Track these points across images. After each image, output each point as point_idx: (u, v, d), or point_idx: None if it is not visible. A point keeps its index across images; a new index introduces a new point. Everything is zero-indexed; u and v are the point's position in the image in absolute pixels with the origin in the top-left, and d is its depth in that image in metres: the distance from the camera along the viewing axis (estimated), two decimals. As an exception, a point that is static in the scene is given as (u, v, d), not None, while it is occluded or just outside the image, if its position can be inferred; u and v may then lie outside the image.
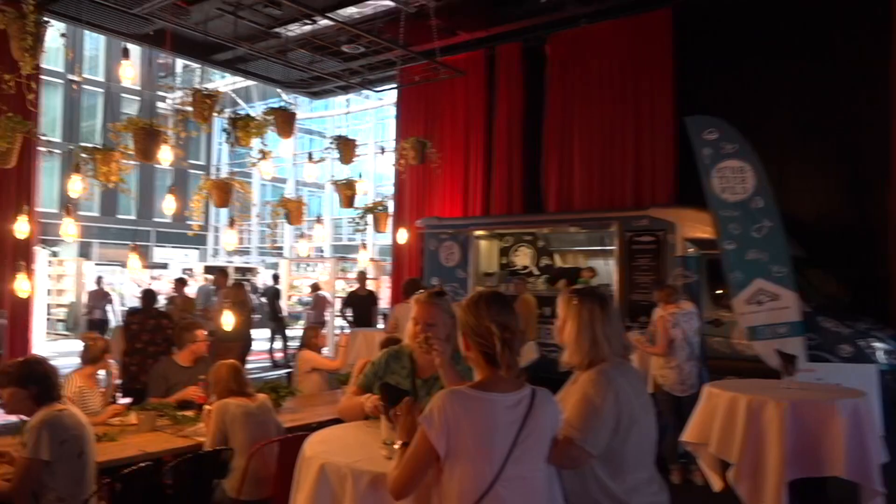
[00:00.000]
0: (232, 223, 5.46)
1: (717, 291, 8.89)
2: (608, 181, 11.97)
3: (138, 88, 30.10)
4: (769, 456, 3.57)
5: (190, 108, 5.04)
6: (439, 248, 11.35)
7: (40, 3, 4.05)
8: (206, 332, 5.19)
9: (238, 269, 21.86)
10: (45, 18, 4.22)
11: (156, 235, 28.94)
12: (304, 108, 30.05)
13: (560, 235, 11.69)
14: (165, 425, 4.33)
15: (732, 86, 10.96)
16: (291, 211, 6.16)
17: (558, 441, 2.27)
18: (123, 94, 30.81)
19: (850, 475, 3.56)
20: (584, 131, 12.24)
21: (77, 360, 4.93)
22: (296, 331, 13.15)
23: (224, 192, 5.20)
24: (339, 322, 12.86)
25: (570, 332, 2.50)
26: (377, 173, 23.41)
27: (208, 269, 16.77)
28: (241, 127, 5.25)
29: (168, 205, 5.37)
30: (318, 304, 13.66)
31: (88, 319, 14.17)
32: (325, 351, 6.16)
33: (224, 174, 26.94)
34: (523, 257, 12.14)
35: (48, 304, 17.60)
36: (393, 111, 16.60)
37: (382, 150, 8.45)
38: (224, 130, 5.42)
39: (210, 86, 28.04)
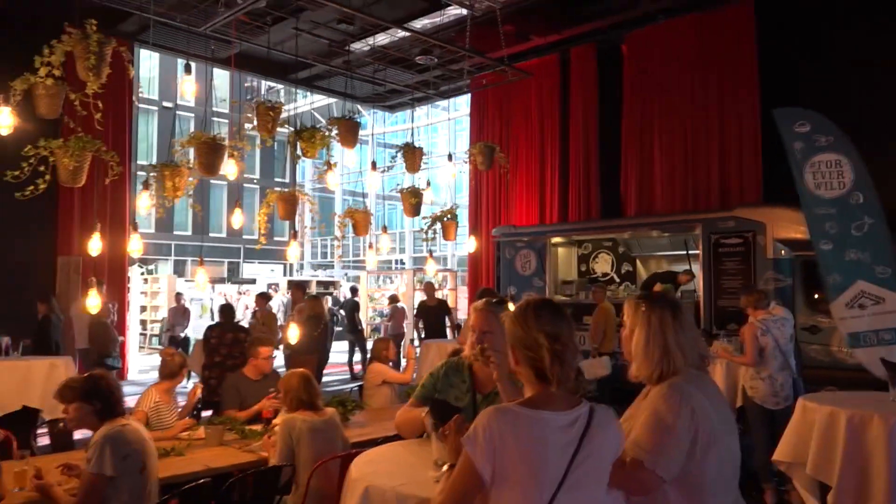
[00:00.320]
0: (294, 236, 5.47)
1: (814, 296, 8.27)
2: (691, 182, 11.46)
3: (226, 111, 31.41)
4: (875, 479, 3.19)
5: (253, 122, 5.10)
6: (515, 257, 11.15)
7: (107, 28, 4.21)
8: (270, 349, 5.19)
9: (320, 283, 22.30)
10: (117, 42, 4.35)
11: (244, 252, 29.99)
12: (383, 122, 30.55)
13: (641, 240, 11.25)
14: (233, 440, 4.33)
15: (823, 75, 10.26)
16: (358, 222, 6.14)
17: (625, 464, 2.05)
18: (215, 119, 32.23)
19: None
20: (664, 131, 11.78)
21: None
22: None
23: (289, 205, 5.22)
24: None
25: (639, 342, 2.28)
26: (453, 184, 23.40)
27: (289, 284, 17.12)
28: (306, 139, 5.26)
29: (235, 219, 5.44)
30: (396, 315, 13.69)
31: (170, 336, 14.49)
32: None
33: (307, 189, 27.70)
34: (603, 264, 11.77)
35: (143, 321, 18.46)
36: (468, 122, 16.56)
37: (450, 157, 8.33)
38: (287, 142, 5.45)
39: (293, 105, 28.95)
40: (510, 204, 13.79)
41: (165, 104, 30.73)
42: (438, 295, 12.63)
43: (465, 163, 8.28)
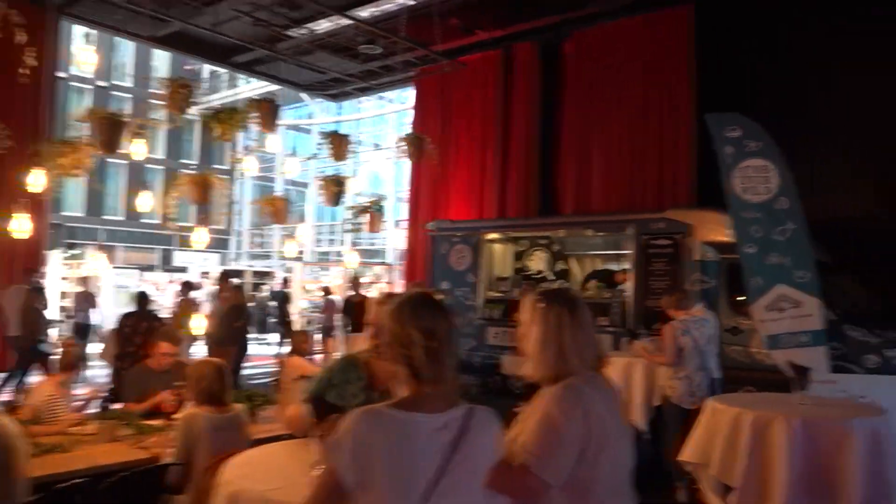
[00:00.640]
0: (203, 221, 5.24)
1: (739, 298, 8.43)
2: (627, 183, 11.58)
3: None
4: (774, 481, 3.20)
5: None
6: (450, 252, 11.05)
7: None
8: (171, 348, 4.94)
9: (257, 274, 21.80)
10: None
11: (177, 239, 29.11)
12: (330, 113, 29.99)
13: (576, 239, 11.29)
14: (127, 435, 4.08)
15: (756, 83, 10.50)
16: (276, 210, 5.93)
17: (512, 469, 1.95)
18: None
19: (864, 506, 3.18)
20: (603, 131, 11.88)
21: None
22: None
23: (201, 189, 4.97)
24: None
25: (535, 341, 2.18)
26: (397, 176, 23.21)
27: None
28: (224, 120, 5.03)
29: (143, 201, 5.16)
30: (328, 308, 13.43)
31: (74, 323, 13.20)
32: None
33: (247, 175, 26.97)
34: (538, 261, 11.76)
35: (63, 307, 17.62)
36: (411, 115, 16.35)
37: (377, 147, 8.17)
38: (203, 123, 5.20)
39: (236, 91, 28.16)
40: (449, 198, 13.70)
41: (100, 83, 29.55)
42: (374, 289, 12.47)
43: (398, 154, 8.12)
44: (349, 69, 14.38)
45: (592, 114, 12.01)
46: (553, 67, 12.56)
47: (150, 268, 22.75)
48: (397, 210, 19.60)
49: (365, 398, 2.68)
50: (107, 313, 13.89)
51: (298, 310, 15.85)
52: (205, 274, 20.53)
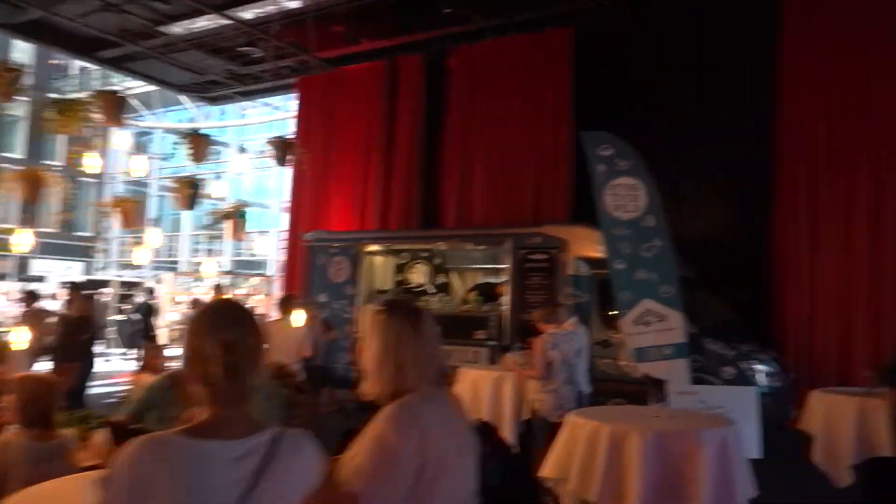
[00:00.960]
0: (27, 222, 4.75)
1: (610, 312, 8.67)
2: (507, 197, 11.75)
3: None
4: (629, 494, 3.20)
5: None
6: (328, 263, 10.75)
7: None
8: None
9: (125, 284, 20.45)
10: None
11: (39, 246, 26.82)
12: (213, 118, 28.61)
13: (457, 253, 11.32)
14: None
15: (629, 106, 10.96)
16: (125, 212, 5.48)
17: (338, 495, 1.77)
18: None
19: (713, 513, 3.24)
20: (485, 146, 12.01)
21: None
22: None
23: (32, 186, 4.49)
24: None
25: (373, 355, 2.02)
26: (273, 186, 22.42)
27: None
28: (63, 111, 4.57)
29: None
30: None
31: None
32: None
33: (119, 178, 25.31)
34: (419, 274, 11.69)
35: None
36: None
37: (242, 150, 7.81)
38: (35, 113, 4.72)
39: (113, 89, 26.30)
40: (331, 209, 13.40)
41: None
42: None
43: (263, 158, 7.79)
44: (228, 72, 13.80)
45: (475, 128, 12.13)
46: (437, 81, 12.60)
47: (1, 276, 20.80)
48: (279, 220, 19.02)
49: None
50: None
51: (167, 323, 14.93)
52: (65, 284, 19.00)
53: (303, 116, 14.10)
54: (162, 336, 13.89)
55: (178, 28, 12.27)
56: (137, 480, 1.37)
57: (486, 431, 5.96)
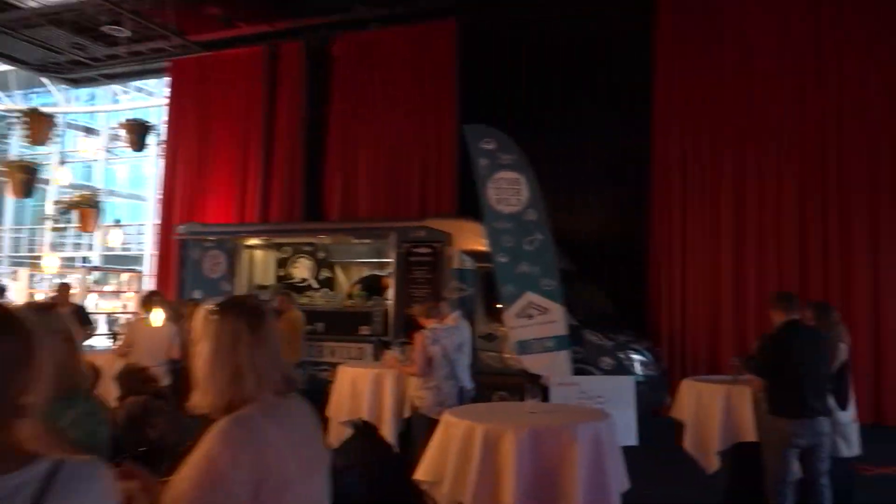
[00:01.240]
0: None
1: (492, 306, 8.66)
2: (393, 190, 11.57)
3: None
4: (503, 496, 3.09)
5: None
6: (203, 258, 10.14)
7: None
8: None
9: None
10: None
11: None
12: (81, 102, 26.50)
13: (342, 247, 10.98)
14: None
15: (515, 101, 11.04)
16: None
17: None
18: None
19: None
20: (370, 137, 11.76)
21: None
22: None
23: None
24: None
25: (204, 361, 1.75)
26: (143, 175, 21.05)
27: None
28: None
29: None
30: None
31: None
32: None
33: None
34: (302, 269, 11.26)
35: None
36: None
37: (87, 132, 7.17)
38: None
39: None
40: (207, 200, 12.71)
41: None
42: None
43: (114, 141, 7.18)
44: (91, 52, 12.76)
45: (360, 119, 11.85)
46: (321, 70, 12.19)
47: None
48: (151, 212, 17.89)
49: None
50: None
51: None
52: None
53: (175, 102, 13.28)
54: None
55: (32, 2, 11.19)
56: None
57: (366, 432, 5.74)
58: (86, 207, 5.35)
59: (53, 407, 1.40)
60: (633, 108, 10.42)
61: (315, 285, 11.11)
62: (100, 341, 10.43)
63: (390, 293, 9.31)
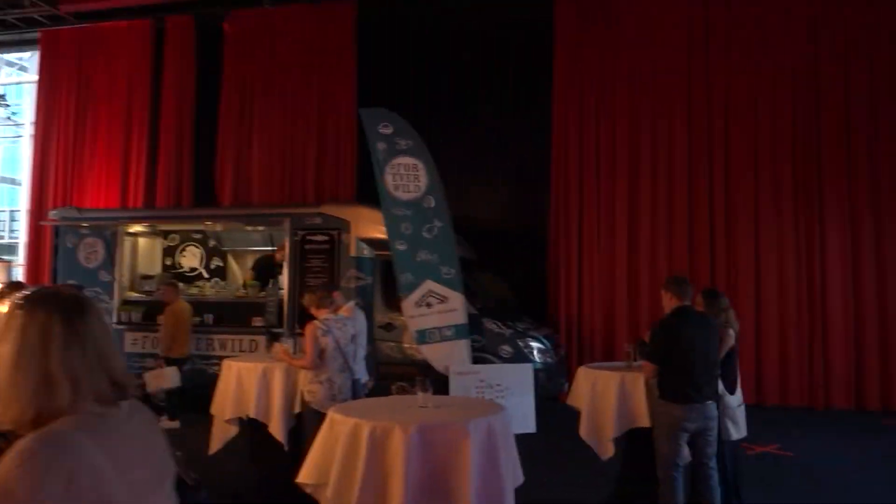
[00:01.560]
0: None
1: (392, 295, 8.43)
2: (289, 175, 11.12)
3: None
4: (391, 499, 2.89)
5: None
6: (78, 246, 9.37)
7: None
8: None
9: None
10: None
11: None
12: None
13: (234, 234, 10.43)
14: None
15: (414, 86, 10.83)
16: None
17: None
18: None
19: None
20: (265, 120, 11.24)
21: None
22: None
23: None
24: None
25: (6, 365, 1.43)
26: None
27: None
28: None
29: None
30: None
31: None
32: None
33: None
34: (191, 258, 10.64)
35: None
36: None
37: None
38: None
39: None
40: (86, 184, 11.79)
41: None
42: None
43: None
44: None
45: (253, 100, 11.31)
46: (212, 47, 11.50)
47: None
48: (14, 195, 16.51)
49: None
50: None
51: None
52: None
53: (47, 77, 12.23)
54: None
55: None
56: None
57: (254, 429, 5.41)
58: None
59: None
60: (533, 94, 10.45)
61: (205, 275, 10.53)
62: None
63: (284, 281, 8.91)
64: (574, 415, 5.24)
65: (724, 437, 4.56)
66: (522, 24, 10.52)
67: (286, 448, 5.15)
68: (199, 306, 9.04)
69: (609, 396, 4.83)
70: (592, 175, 10.07)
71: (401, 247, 7.79)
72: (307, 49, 11.11)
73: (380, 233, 8.30)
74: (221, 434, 5.53)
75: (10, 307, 1.49)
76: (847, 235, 9.19)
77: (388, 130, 8.01)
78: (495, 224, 10.61)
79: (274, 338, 6.79)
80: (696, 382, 4.20)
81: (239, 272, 10.56)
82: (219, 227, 10.12)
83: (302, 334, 6.27)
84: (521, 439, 5.24)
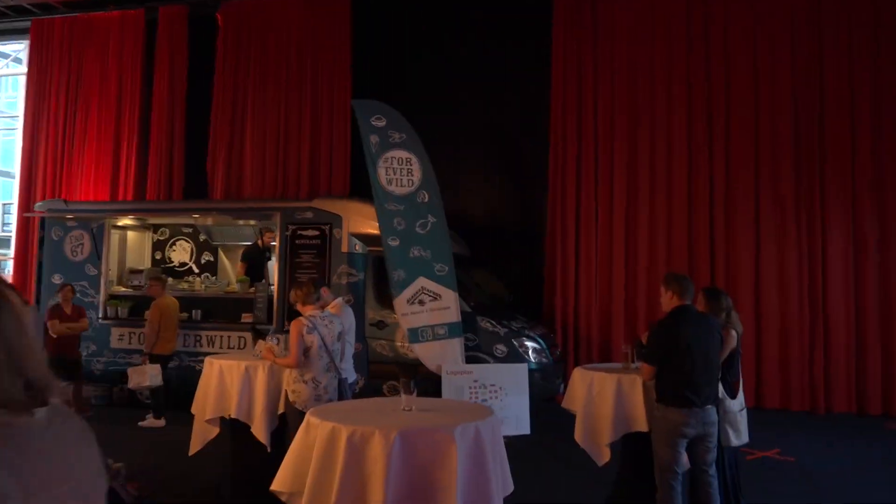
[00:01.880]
0: None
1: (384, 292, 8.23)
2: (282, 169, 10.92)
3: None
4: (369, 507, 2.69)
5: None
6: (65, 239, 9.16)
7: None
8: None
9: None
10: None
11: None
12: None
13: (226, 229, 10.22)
14: None
15: (410, 80, 10.63)
16: None
17: None
18: None
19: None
20: (258, 112, 11.03)
21: None
22: None
23: None
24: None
25: None
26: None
27: None
28: None
29: None
30: None
31: None
32: None
33: None
34: (181, 252, 10.45)
35: None
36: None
37: None
38: None
39: None
40: (76, 177, 11.59)
41: None
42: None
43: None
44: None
45: (246, 92, 11.10)
46: (205, 38, 11.28)
47: None
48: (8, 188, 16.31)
49: None
50: None
51: None
52: None
53: (37, 67, 12.00)
54: None
55: None
56: None
57: (236, 430, 5.20)
58: None
59: None
60: (530, 87, 10.23)
61: (196, 270, 10.33)
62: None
63: (274, 277, 8.70)
64: (570, 416, 5.05)
65: (723, 443, 4.36)
66: (520, 16, 10.29)
67: (269, 450, 4.94)
68: (189, 302, 8.85)
69: (606, 400, 4.64)
70: (591, 170, 9.86)
71: (393, 242, 7.60)
72: (302, 39, 10.91)
73: (372, 228, 8.11)
74: (202, 434, 5.33)
75: None
76: (849, 235, 9.00)
77: (381, 123, 7.81)
78: (490, 220, 10.40)
79: (258, 334, 6.57)
80: (696, 385, 4.01)
81: (230, 267, 10.36)
82: (209, 222, 9.90)
83: (286, 331, 6.08)
84: (515, 441, 5.06)
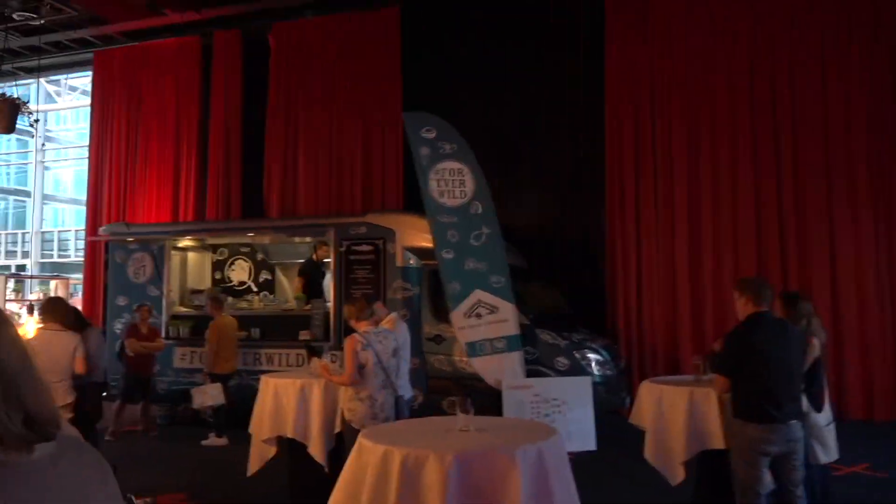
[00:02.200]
0: None
1: (440, 305, 8.08)
2: (336, 186, 10.94)
3: None
4: (425, 537, 2.51)
5: None
6: (128, 261, 9.36)
7: None
8: None
9: None
10: None
11: None
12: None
13: (282, 247, 10.27)
14: None
15: (461, 92, 10.50)
16: None
17: None
18: None
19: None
20: (311, 131, 11.11)
21: None
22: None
23: None
24: None
25: None
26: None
27: None
28: None
29: None
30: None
31: None
32: None
33: None
34: (240, 272, 10.54)
35: None
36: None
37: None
38: None
39: None
40: (139, 200, 11.90)
41: None
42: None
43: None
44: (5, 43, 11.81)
45: (299, 111, 11.20)
46: (258, 61, 11.46)
47: None
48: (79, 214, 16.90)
49: None
50: None
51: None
52: None
53: (100, 96, 12.42)
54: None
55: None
56: None
57: (294, 450, 5.12)
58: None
59: None
60: (586, 96, 9.96)
61: (254, 288, 10.41)
62: None
63: (330, 293, 8.66)
64: (637, 431, 4.77)
65: (811, 460, 4.02)
66: (573, 24, 10.05)
67: (326, 470, 4.83)
68: (248, 320, 8.91)
69: (678, 414, 4.35)
70: (650, 177, 9.52)
71: (448, 255, 7.44)
72: (352, 57, 10.96)
73: (426, 241, 7.97)
74: (260, 454, 5.27)
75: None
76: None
77: (432, 134, 7.69)
78: (547, 229, 10.15)
79: (312, 352, 6.50)
80: (776, 399, 3.69)
81: (287, 285, 10.40)
82: (266, 240, 9.98)
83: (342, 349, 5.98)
84: (580, 458, 4.80)
